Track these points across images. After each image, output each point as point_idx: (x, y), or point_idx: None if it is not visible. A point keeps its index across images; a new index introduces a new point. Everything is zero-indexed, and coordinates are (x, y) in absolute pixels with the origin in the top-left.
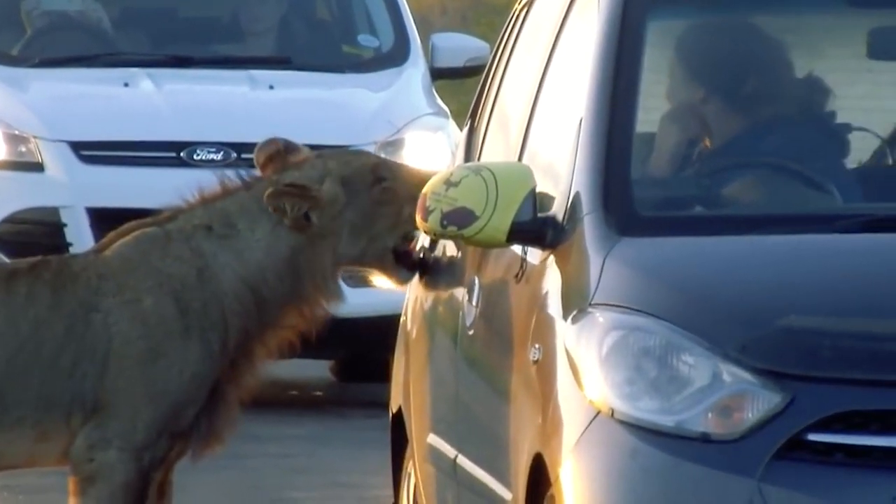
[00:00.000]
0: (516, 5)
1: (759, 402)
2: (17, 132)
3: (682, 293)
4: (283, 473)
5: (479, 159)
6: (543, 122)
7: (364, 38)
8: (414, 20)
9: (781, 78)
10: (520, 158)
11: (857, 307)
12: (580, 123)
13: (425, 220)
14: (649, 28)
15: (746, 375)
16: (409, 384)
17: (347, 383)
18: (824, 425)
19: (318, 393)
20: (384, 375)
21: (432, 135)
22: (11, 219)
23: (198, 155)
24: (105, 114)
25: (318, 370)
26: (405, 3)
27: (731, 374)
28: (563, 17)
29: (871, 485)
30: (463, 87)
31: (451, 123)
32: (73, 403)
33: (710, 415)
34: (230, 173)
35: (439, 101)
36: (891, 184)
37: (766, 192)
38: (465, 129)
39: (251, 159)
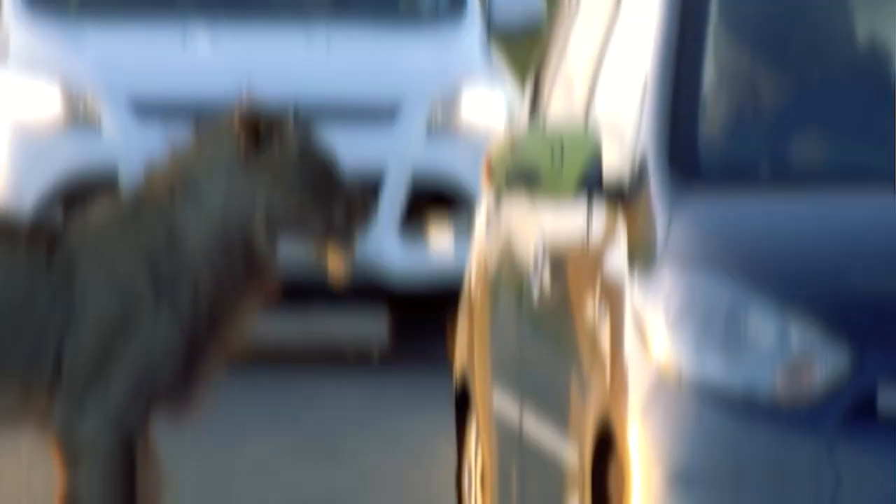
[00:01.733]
0: None
1: (829, 363)
2: (68, 84)
3: (749, 251)
4: (340, 430)
5: (543, 118)
6: (610, 79)
7: None
8: None
9: (838, 38)
10: (586, 117)
11: None
12: (646, 81)
13: (491, 179)
14: None
15: (816, 336)
16: (472, 346)
17: (404, 340)
18: (895, 387)
19: (374, 350)
20: (442, 332)
21: (488, 92)
22: (68, 178)
23: None
24: (163, 70)
25: (374, 326)
26: None
27: (801, 334)
28: None
29: None
30: (520, 43)
31: (508, 81)
32: (56, 366)
33: (778, 376)
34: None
35: (496, 57)
36: None
37: (832, 151)
38: (529, 88)
39: (308, 114)
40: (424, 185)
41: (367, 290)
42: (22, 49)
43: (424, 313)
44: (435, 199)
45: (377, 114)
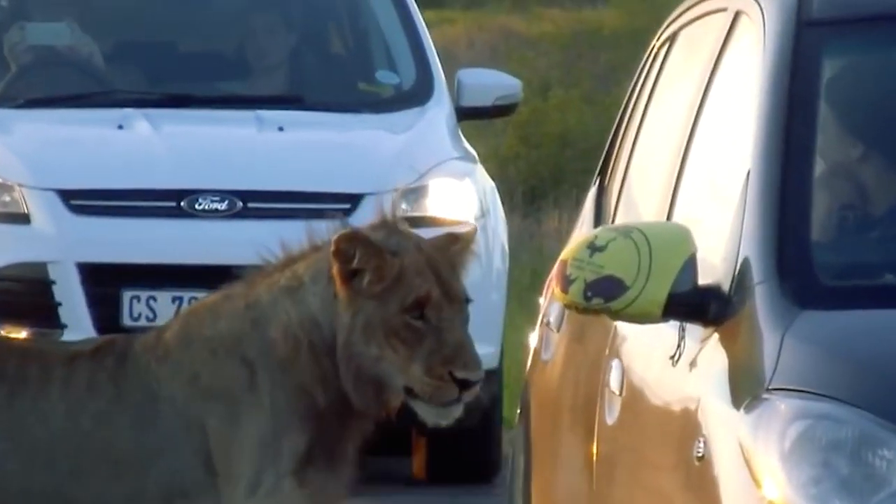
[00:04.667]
0: (653, 42)
1: None
2: (0, 180)
3: (877, 376)
4: None
5: (612, 223)
6: (698, 176)
7: (383, 75)
8: (438, 54)
9: None
10: (668, 219)
11: None
12: (747, 177)
13: (565, 291)
14: (826, 65)
15: None
16: (530, 491)
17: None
18: None
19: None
20: (406, 448)
21: (458, 182)
22: None
23: (200, 204)
24: (97, 159)
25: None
26: (428, 35)
27: None
28: (717, 52)
29: None
30: (492, 127)
31: (480, 169)
32: (169, 497)
33: None
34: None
35: (466, 143)
36: None
37: None
38: (593, 189)
39: (258, 209)
40: None
41: None
42: None
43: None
44: None
45: (334, 207)
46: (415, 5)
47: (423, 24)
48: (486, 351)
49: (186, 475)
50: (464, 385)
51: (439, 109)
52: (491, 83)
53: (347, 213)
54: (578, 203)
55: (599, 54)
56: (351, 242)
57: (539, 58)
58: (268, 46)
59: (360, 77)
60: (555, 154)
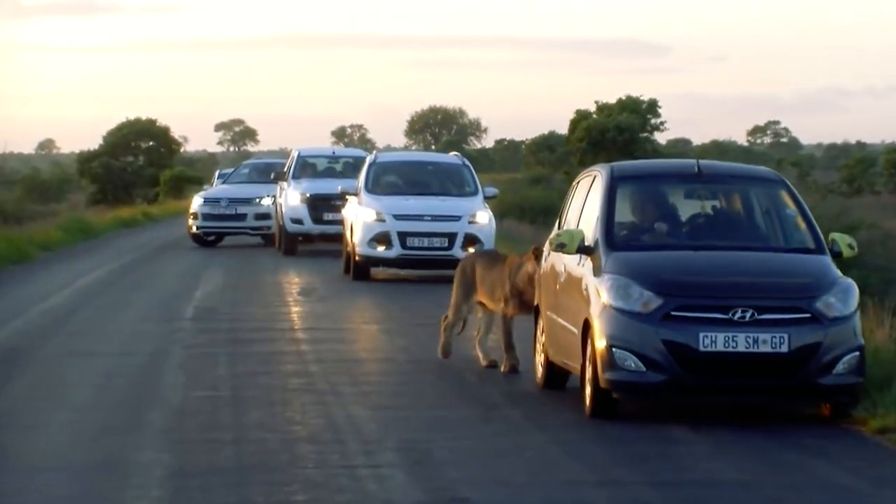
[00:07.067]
0: (573, 183)
1: (656, 302)
2: (378, 212)
3: (632, 268)
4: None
5: (563, 227)
6: (586, 218)
7: (466, 187)
8: (481, 183)
9: (662, 204)
10: (577, 226)
11: (689, 272)
12: (597, 218)
13: (552, 245)
14: (618, 190)
15: (652, 294)
16: (541, 297)
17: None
18: (676, 309)
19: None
20: None
21: (484, 212)
22: (375, 236)
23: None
24: (400, 205)
25: None
26: (477, 177)
27: (647, 294)
28: (590, 185)
29: (683, 329)
30: (493, 202)
31: (489, 211)
32: (498, 294)
33: (640, 306)
34: None
35: (486, 205)
36: (707, 232)
37: (659, 237)
38: (557, 223)
39: (441, 220)
40: (468, 237)
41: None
42: (365, 202)
43: None
44: (471, 241)
45: (455, 218)
46: (474, 171)
47: (477, 175)
48: None
49: (499, 286)
50: None
51: (480, 197)
52: (491, 191)
53: (457, 221)
54: (529, 225)
55: (525, 185)
56: (536, 250)
57: (507, 185)
58: (434, 177)
59: (459, 187)
60: (517, 212)
